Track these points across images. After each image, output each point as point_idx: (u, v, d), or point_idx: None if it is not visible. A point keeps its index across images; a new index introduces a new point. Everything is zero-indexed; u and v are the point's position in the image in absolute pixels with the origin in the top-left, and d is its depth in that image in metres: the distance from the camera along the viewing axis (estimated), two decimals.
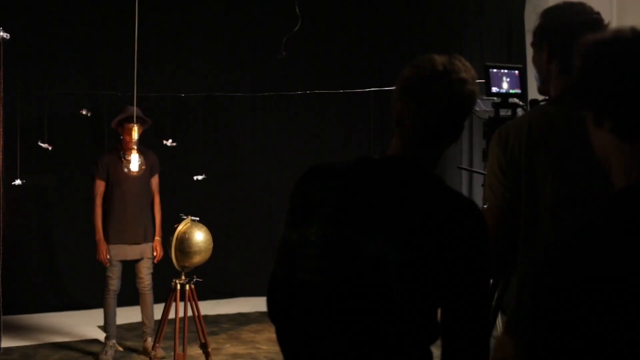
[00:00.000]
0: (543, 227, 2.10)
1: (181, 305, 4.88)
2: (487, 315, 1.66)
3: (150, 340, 5.63)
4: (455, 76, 1.65)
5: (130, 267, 5.78)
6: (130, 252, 5.67)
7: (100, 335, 6.08)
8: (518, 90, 2.73)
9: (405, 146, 1.71)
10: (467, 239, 1.60)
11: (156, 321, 5.50)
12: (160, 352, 5.29)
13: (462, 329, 1.61)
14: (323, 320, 1.69)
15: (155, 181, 5.83)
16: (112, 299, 5.66)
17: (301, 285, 1.75)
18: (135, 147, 5.26)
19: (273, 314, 1.87)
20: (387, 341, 1.62)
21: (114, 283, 5.64)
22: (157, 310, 5.49)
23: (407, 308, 1.60)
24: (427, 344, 1.67)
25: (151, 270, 5.74)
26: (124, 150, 5.61)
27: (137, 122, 5.33)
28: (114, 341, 5.70)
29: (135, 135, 5.23)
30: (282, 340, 1.86)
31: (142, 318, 5.78)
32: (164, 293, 5.11)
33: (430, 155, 1.72)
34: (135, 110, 5.30)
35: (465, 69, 1.68)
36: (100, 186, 5.64)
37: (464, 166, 7.12)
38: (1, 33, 4.99)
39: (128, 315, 6.38)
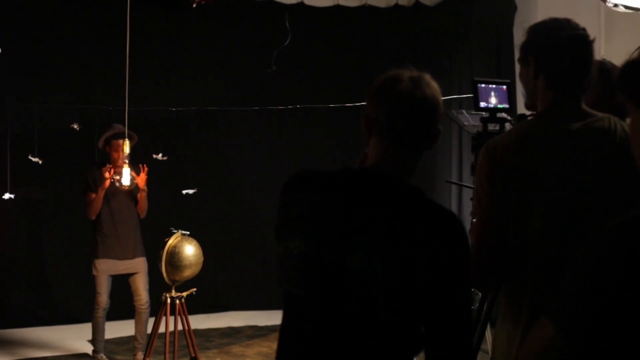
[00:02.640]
0: (532, 239, 2.13)
1: (171, 319, 4.88)
2: (470, 324, 1.67)
3: (140, 355, 5.61)
4: (418, 82, 1.73)
5: (119, 282, 5.75)
6: (120, 266, 5.63)
7: (90, 350, 6.05)
8: (506, 105, 2.77)
9: (380, 156, 1.75)
10: (448, 248, 1.62)
11: (147, 335, 5.48)
12: None
13: (445, 339, 1.63)
14: (307, 332, 1.71)
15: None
16: (101, 317, 5.61)
17: (287, 298, 1.76)
18: (127, 161, 5.21)
19: None
20: (371, 353, 1.63)
21: (103, 300, 5.59)
22: (148, 325, 5.47)
23: (390, 320, 1.61)
24: (410, 356, 1.68)
25: (147, 287, 5.67)
26: (113, 168, 5.59)
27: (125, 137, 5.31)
28: (102, 354, 5.67)
29: (127, 149, 5.19)
30: None
31: (135, 333, 5.71)
32: (154, 307, 5.10)
33: (405, 164, 1.75)
34: (123, 126, 5.30)
35: (429, 79, 1.76)
36: (92, 197, 5.61)
37: (452, 180, 7.15)
38: None
39: (118, 329, 6.36)
